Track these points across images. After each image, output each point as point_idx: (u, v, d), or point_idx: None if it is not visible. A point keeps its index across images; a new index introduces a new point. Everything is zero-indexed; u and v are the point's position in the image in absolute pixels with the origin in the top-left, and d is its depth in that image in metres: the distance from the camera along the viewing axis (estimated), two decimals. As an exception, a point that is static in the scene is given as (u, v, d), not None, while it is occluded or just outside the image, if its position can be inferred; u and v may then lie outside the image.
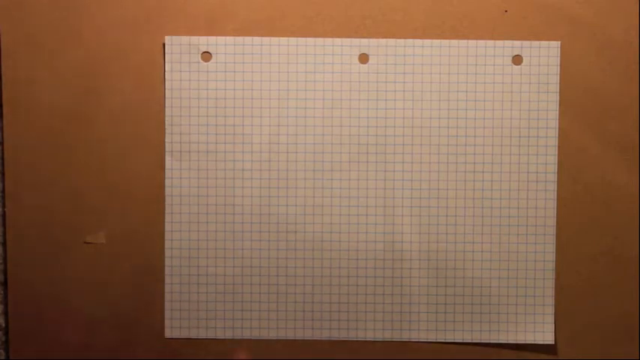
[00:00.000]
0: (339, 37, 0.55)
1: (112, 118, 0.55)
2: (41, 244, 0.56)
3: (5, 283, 0.56)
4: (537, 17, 0.55)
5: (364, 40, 0.55)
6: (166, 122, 0.55)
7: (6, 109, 0.55)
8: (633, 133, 0.55)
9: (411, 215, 0.56)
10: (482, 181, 0.55)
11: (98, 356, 0.56)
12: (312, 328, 0.56)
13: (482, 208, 0.56)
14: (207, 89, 0.55)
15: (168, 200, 0.56)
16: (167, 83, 0.55)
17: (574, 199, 0.56)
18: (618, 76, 0.55)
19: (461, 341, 0.56)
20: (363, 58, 0.55)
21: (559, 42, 0.55)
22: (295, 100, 0.55)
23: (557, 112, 0.55)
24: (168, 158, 0.55)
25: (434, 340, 0.56)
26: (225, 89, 0.55)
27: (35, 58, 0.55)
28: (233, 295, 0.56)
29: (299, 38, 0.55)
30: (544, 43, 0.55)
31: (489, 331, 0.54)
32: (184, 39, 0.55)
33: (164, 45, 0.55)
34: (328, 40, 0.55)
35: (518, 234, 0.56)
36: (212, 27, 0.55)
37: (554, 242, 0.56)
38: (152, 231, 0.56)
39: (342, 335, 0.57)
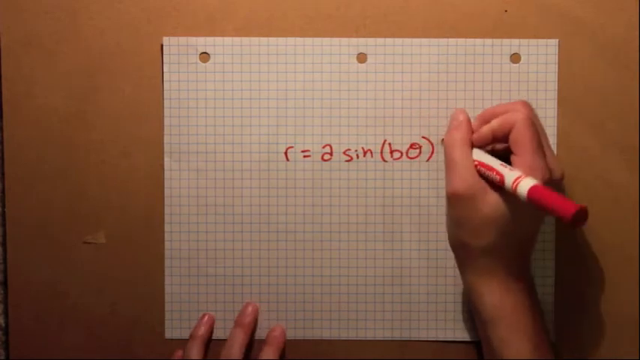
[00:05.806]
0: (339, 37, 0.55)
1: (112, 119, 0.55)
2: (41, 244, 0.56)
3: (5, 283, 0.56)
4: (537, 17, 0.55)
5: (362, 40, 0.55)
6: (165, 123, 0.55)
7: (6, 109, 0.55)
8: (633, 133, 0.55)
9: (411, 214, 0.56)
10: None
11: (98, 356, 0.57)
12: (312, 328, 0.56)
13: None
14: (206, 90, 0.55)
15: (167, 200, 0.56)
16: (166, 84, 0.55)
17: (574, 199, 0.56)
18: (618, 76, 0.55)
19: (461, 340, 0.56)
20: (362, 58, 0.55)
21: (557, 40, 0.55)
22: (294, 100, 0.55)
23: (556, 109, 0.55)
24: (167, 159, 0.55)
25: (434, 339, 0.56)
26: (224, 89, 0.55)
27: (35, 58, 0.55)
28: (233, 295, 0.56)
29: (296, 38, 0.55)
30: (542, 41, 0.55)
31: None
32: (182, 40, 0.55)
33: (162, 46, 0.55)
34: (326, 40, 0.55)
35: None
36: (212, 27, 0.55)
37: (554, 242, 0.56)
38: (152, 231, 0.56)
39: (342, 335, 0.56)
